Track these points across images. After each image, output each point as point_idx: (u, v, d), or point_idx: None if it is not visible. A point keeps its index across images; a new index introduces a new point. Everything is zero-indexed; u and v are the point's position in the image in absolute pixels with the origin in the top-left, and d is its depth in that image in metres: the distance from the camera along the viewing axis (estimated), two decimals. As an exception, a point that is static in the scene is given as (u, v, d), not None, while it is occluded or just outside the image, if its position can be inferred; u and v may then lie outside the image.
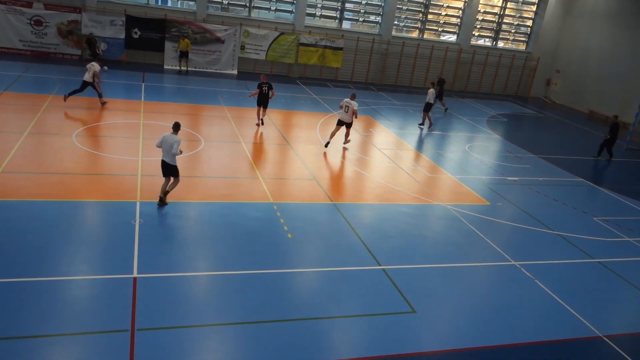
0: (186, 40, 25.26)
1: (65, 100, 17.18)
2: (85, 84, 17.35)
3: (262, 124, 18.20)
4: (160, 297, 7.96)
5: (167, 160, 10.85)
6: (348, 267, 9.62)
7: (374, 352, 7.43)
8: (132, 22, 25.28)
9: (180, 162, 13.75)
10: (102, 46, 25.12)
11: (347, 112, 16.39)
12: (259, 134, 17.33)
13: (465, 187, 14.84)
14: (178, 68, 25.81)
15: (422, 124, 21.39)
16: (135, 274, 8.40)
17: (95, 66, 17.60)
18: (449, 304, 8.96)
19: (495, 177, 16.14)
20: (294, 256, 9.83)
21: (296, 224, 11.04)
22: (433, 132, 20.93)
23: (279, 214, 11.39)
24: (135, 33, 25.53)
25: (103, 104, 17.90)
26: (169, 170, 10.98)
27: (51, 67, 22.78)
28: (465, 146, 19.46)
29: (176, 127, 10.91)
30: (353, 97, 16.66)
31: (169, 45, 26.06)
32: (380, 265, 9.81)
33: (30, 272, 8.10)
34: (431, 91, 21.09)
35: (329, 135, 16.63)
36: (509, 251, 11.11)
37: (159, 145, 10.87)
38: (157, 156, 13.81)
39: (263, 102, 17.85)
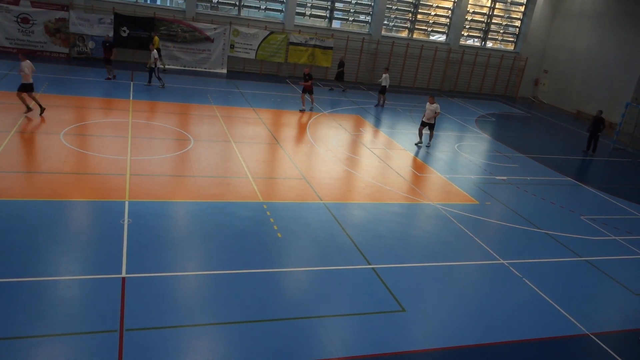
0: (156, 37, 24.95)
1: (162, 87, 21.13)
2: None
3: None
4: (149, 297, 7.91)
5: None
6: (338, 267, 9.62)
7: (364, 350, 7.44)
8: (120, 20, 25.09)
9: (169, 161, 13.70)
10: (90, 44, 24.92)
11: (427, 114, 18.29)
12: (250, 133, 17.27)
13: (454, 187, 14.92)
14: (162, 67, 25.59)
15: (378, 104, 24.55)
16: (124, 274, 8.34)
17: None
18: (439, 302, 9.00)
19: (484, 177, 16.24)
20: (284, 256, 9.82)
21: (286, 223, 11.03)
22: (424, 132, 21.00)
23: (268, 213, 11.37)
24: (124, 31, 25.34)
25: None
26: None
27: (38, 65, 22.49)
28: (455, 146, 19.55)
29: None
30: (432, 100, 18.49)
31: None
32: (370, 264, 9.83)
33: (16, 272, 8.01)
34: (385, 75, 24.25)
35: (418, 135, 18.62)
36: (497, 250, 11.19)
37: None
38: (146, 155, 13.77)
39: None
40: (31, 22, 24.01)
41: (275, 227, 10.75)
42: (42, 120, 15.55)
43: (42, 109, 15.88)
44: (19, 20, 23.79)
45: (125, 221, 10.04)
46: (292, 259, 9.78)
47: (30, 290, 7.68)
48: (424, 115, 18.67)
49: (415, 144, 18.68)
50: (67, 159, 12.86)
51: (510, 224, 12.78)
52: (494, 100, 31.79)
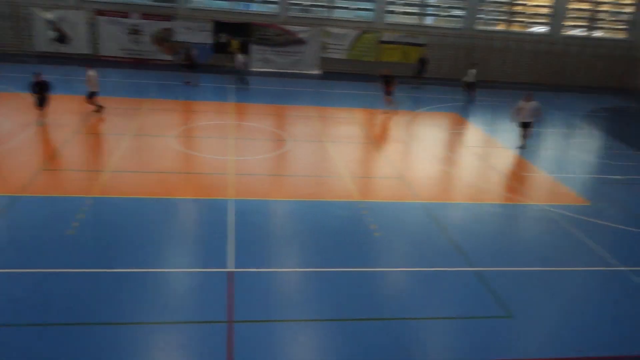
0: (235, 40, 25.56)
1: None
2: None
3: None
4: (254, 290, 8.18)
5: None
6: (437, 268, 9.38)
7: (467, 355, 7.18)
8: (219, 27, 26.29)
9: (268, 160, 14.13)
10: (193, 52, 26.34)
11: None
12: (344, 133, 17.36)
13: (563, 186, 14.01)
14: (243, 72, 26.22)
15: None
16: (231, 268, 8.70)
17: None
18: (549, 309, 8.47)
19: (597, 176, 15.10)
20: (382, 255, 9.74)
21: (383, 222, 10.94)
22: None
23: (365, 212, 11.35)
24: (222, 38, 26.51)
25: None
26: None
27: (147, 73, 24.21)
28: (562, 143, 18.37)
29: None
30: (528, 99, 16.48)
31: (254, 49, 26.83)
32: (471, 266, 9.48)
33: (133, 263, 8.62)
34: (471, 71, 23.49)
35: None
36: (614, 255, 10.33)
37: None
38: (247, 155, 14.29)
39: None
40: (141, 32, 25.85)
41: (372, 227, 10.70)
42: (100, 120, 16.57)
43: (100, 109, 16.85)
44: (130, 31, 25.70)
45: (230, 218, 10.47)
46: (389, 258, 9.68)
47: (144, 281, 8.23)
48: (521, 115, 16.66)
49: (518, 147, 16.94)
50: (177, 160, 13.66)
51: (628, 227, 11.76)
52: (604, 93, 29.47)
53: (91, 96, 16.46)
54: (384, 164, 14.73)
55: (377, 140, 16.92)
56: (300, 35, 27.13)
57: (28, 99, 15.56)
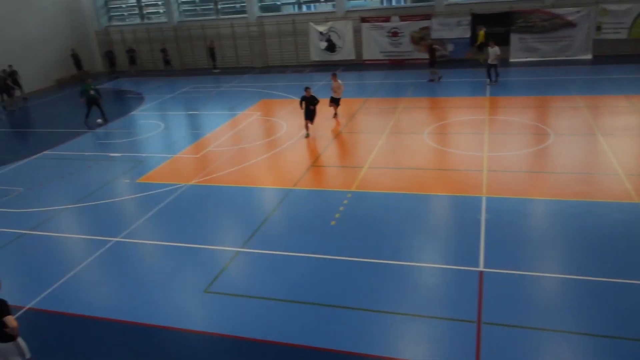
0: (482, 31, 23.99)
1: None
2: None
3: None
4: (505, 293, 7.84)
5: None
6: None
7: None
8: (477, 19, 25.62)
9: (526, 156, 13.25)
10: (450, 47, 26.33)
11: None
12: (622, 124, 15.12)
13: None
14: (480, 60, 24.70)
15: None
16: (481, 268, 8.51)
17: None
18: None
19: None
20: (668, 268, 8.22)
21: (671, 229, 9.21)
22: None
23: (646, 216, 9.72)
24: (481, 29, 25.77)
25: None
26: None
27: (405, 72, 25.19)
28: None
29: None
30: None
31: (515, 38, 25.37)
32: None
33: (386, 255, 9.14)
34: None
35: None
36: None
37: None
38: (503, 151, 13.68)
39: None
40: (399, 34, 27.01)
41: (656, 234, 9.10)
42: (337, 122, 17.47)
43: (335, 114, 17.83)
44: (390, 34, 27.09)
45: (483, 216, 10.22)
46: (679, 273, 8.10)
47: (397, 272, 8.66)
48: None
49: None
50: (429, 156, 13.94)
51: None
52: None
53: (334, 102, 17.75)
54: (675, 159, 12.33)
55: (665, 131, 14.24)
56: (570, 18, 24.51)
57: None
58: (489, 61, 20.75)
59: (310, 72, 27.24)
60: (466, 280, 8.26)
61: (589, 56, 24.80)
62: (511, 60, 25.50)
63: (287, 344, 7.14)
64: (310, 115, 16.19)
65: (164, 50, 29.83)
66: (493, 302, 7.64)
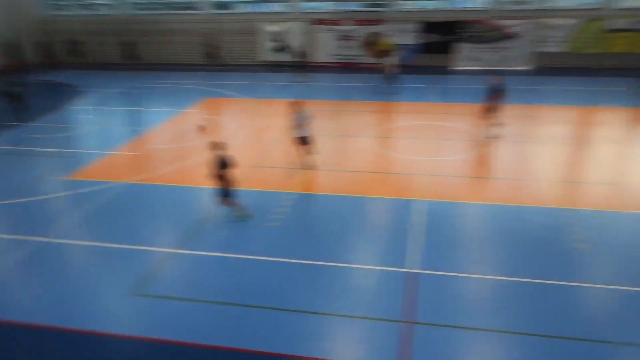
0: (385, 41, 24.65)
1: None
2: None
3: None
4: (439, 294, 8.09)
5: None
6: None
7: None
8: (425, 27, 26.22)
9: (462, 162, 13.66)
10: (399, 53, 26.81)
11: None
12: (554, 133, 15.81)
13: None
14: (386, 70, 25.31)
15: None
16: (415, 269, 8.72)
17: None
18: None
19: None
20: (582, 269, 8.70)
21: (592, 233, 9.75)
22: None
23: (570, 220, 10.21)
24: (427, 38, 26.41)
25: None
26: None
27: (354, 76, 25.44)
28: None
29: None
30: None
31: (459, 46, 26.14)
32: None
33: (323, 256, 9.24)
34: None
35: None
36: None
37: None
38: (443, 156, 14.04)
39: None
40: (351, 38, 27.28)
41: (575, 237, 9.58)
42: None
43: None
44: (342, 37, 27.34)
45: (418, 219, 10.45)
46: (591, 273, 8.60)
47: (331, 273, 8.74)
48: None
49: None
50: (372, 159, 14.14)
51: None
52: None
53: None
54: (594, 167, 13.01)
55: (592, 141, 15.00)
56: (512, 29, 25.47)
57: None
58: (386, 70, 20.95)
59: (260, 71, 27.14)
60: (400, 281, 8.44)
61: (529, 67, 25.83)
62: (455, 68, 26.28)
63: (217, 347, 7.10)
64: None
65: (114, 44, 28.88)
66: (428, 303, 7.87)
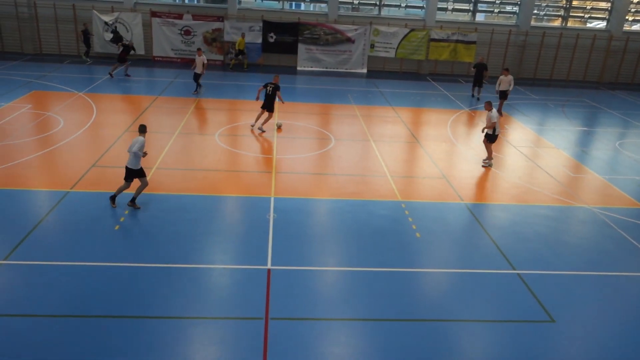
0: (241, 39, 25.74)
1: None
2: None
3: (262, 130, 16.16)
4: (292, 288, 8.30)
5: (128, 165, 10.36)
6: (479, 270, 9.22)
7: (508, 359, 7.04)
8: (268, 27, 26.66)
9: (312, 159, 14.25)
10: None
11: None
12: (389, 132, 17.26)
13: (615, 189, 13.43)
14: (244, 65, 26.37)
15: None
16: (269, 266, 8.86)
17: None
18: (595, 315, 8.17)
19: (653, 178, 14.37)
20: (422, 256, 9.66)
21: (425, 223, 10.84)
22: (578, 129, 19.25)
23: (407, 212, 11.27)
24: (271, 37, 26.89)
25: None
26: (132, 174, 10.42)
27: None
28: (616, 143, 17.59)
29: (141, 129, 10.56)
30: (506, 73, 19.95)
31: (302, 48, 27.09)
32: (514, 269, 9.26)
33: (177, 259, 8.92)
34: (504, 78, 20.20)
35: None
36: (669, 261, 9.83)
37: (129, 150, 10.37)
38: (291, 154, 14.47)
39: (267, 104, 16.14)
40: (192, 33, 26.57)
41: (414, 227, 10.62)
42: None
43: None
44: (182, 32, 26.47)
45: (271, 216, 10.65)
46: (430, 259, 9.59)
47: (188, 275, 8.50)
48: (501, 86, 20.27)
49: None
50: (221, 158, 14.00)
51: (686, 232, 11.14)
52: (666, 91, 27.95)
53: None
54: (428, 163, 14.56)
55: (421, 139, 16.72)
56: (349, 34, 27.14)
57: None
58: (196, 70, 20.41)
59: (92, 64, 25.07)
60: (255, 278, 8.50)
61: (364, 70, 27.80)
62: (298, 68, 27.21)
63: (62, 364, 6.44)
64: (269, 105, 16.01)
65: None
66: (280, 298, 8.01)
